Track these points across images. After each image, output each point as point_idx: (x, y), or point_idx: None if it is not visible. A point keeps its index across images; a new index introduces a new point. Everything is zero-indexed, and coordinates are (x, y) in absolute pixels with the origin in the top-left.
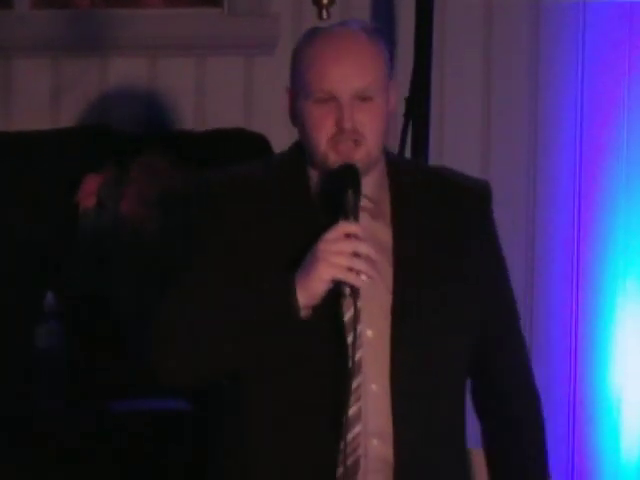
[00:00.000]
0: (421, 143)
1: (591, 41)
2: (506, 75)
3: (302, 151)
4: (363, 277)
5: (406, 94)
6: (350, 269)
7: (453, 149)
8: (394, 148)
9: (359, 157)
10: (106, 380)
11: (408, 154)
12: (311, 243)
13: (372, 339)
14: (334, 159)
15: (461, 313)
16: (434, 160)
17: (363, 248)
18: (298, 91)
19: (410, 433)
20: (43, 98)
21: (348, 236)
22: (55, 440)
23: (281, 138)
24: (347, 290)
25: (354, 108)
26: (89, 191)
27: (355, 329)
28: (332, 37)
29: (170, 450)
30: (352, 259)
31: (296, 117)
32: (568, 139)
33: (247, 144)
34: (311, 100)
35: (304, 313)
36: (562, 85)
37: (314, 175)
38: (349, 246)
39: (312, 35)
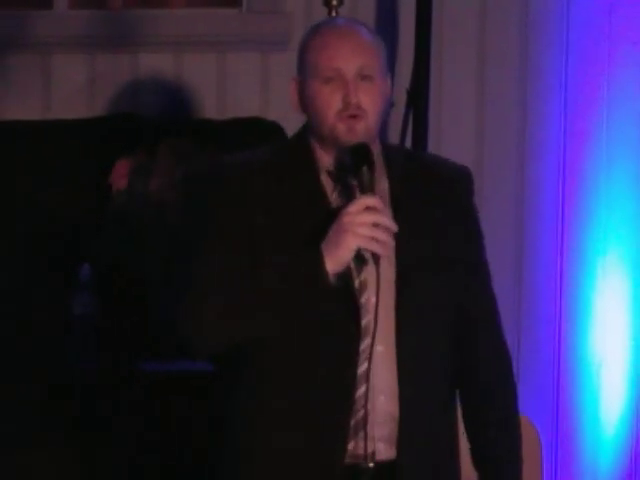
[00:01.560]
0: (421, 131)
1: (574, 34)
2: (498, 67)
3: (308, 135)
4: (382, 245)
5: (407, 86)
6: (372, 238)
7: (450, 135)
8: (396, 137)
9: (359, 128)
10: (134, 343)
11: (409, 141)
12: (322, 218)
13: (375, 306)
14: (341, 130)
15: (450, 283)
16: (432, 145)
17: (383, 219)
18: (306, 75)
19: (412, 390)
20: (79, 90)
21: (369, 208)
22: (89, 399)
23: (294, 125)
24: (369, 256)
25: (357, 86)
26: (121, 174)
27: (378, 293)
28: (337, 27)
29: (194, 406)
30: (374, 229)
31: (304, 99)
32: (554, 125)
33: (263, 131)
34: (320, 80)
35: (331, 279)
36: (548, 75)
37: (322, 155)
38: (371, 218)
39: (318, 27)
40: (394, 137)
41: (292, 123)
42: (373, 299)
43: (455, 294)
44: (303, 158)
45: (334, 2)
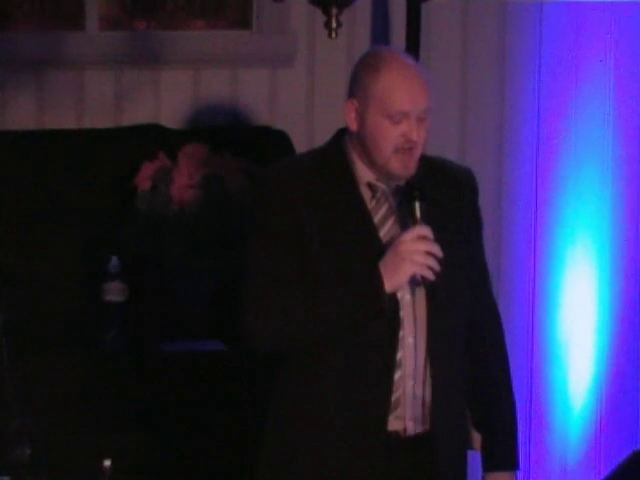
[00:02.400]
0: None
1: (547, 37)
2: (478, 78)
3: (347, 146)
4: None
5: None
6: (425, 265)
7: (436, 138)
8: None
9: (413, 165)
10: (157, 326)
11: None
12: (363, 229)
13: (411, 303)
14: (396, 165)
15: (465, 271)
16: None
17: (434, 249)
18: (369, 106)
19: (438, 373)
20: (108, 102)
21: (422, 238)
22: (119, 376)
23: (297, 133)
24: (420, 280)
25: (417, 125)
26: (145, 176)
27: (412, 297)
28: (406, 67)
29: (209, 381)
30: (427, 257)
31: (363, 126)
32: (529, 128)
33: (270, 138)
34: (387, 118)
35: (387, 298)
36: (524, 82)
37: (362, 168)
38: (425, 247)
39: (385, 60)
40: None
41: (296, 131)
42: (407, 297)
43: (470, 287)
44: (344, 170)
45: (334, 25)
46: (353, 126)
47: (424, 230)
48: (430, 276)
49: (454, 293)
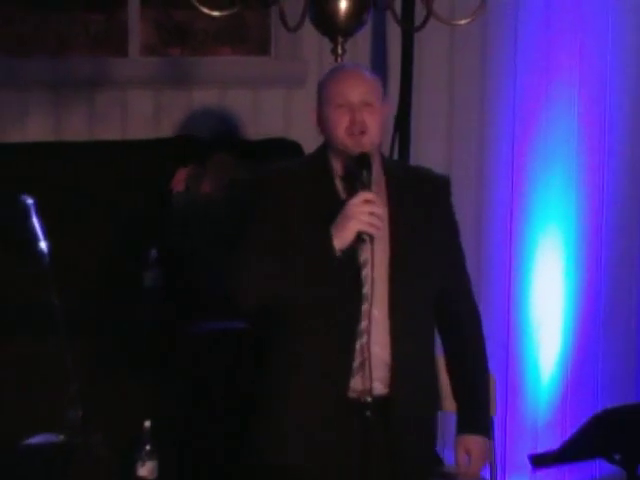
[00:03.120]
0: (405, 145)
1: (521, 57)
2: (463, 99)
3: (326, 149)
4: (376, 228)
5: (394, 113)
6: (369, 223)
7: (426, 148)
8: (386, 150)
9: (365, 142)
10: (192, 309)
11: (396, 153)
12: (335, 209)
13: (375, 278)
14: (350, 144)
15: (432, 260)
16: (413, 156)
17: (378, 210)
18: (323, 104)
19: (401, 343)
20: (148, 117)
21: (367, 201)
22: (156, 352)
23: (309, 143)
24: (366, 237)
25: (361, 110)
26: (180, 180)
27: (372, 266)
28: (346, 69)
29: (235, 356)
30: (371, 217)
31: (322, 122)
32: (505, 132)
33: (286, 147)
34: (333, 106)
35: (338, 253)
36: (502, 94)
37: (336, 164)
38: (368, 208)
39: (332, 71)
40: (385, 150)
41: (308, 142)
42: (370, 273)
43: (437, 269)
44: (322, 167)
45: (339, 52)
46: (318, 125)
47: (368, 195)
48: (373, 233)
49: (419, 276)
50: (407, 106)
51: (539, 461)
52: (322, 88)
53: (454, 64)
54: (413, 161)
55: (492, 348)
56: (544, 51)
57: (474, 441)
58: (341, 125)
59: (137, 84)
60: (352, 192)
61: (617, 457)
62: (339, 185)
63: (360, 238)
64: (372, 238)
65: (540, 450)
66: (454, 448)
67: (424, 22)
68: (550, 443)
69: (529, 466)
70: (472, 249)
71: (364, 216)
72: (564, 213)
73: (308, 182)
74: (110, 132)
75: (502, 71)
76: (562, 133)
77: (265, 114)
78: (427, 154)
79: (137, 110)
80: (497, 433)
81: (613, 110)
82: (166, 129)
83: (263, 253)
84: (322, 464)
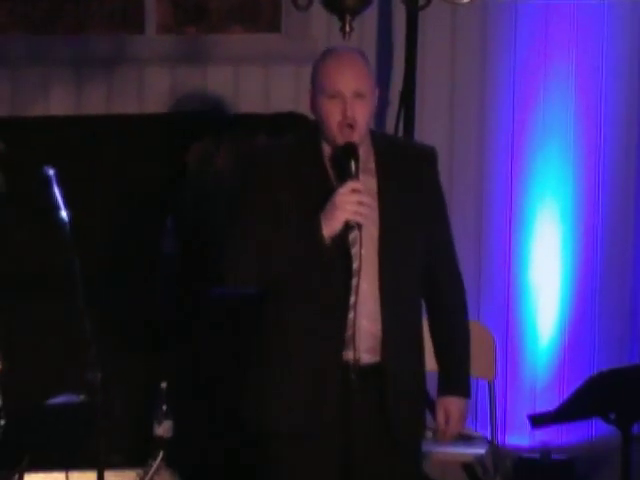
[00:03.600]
0: (410, 120)
1: (521, 34)
2: (465, 73)
3: (316, 130)
4: (363, 217)
5: (400, 89)
6: (356, 212)
7: (430, 123)
8: (392, 124)
9: (354, 137)
10: (204, 274)
11: (401, 128)
12: (324, 193)
13: (365, 255)
14: (340, 138)
15: (420, 232)
16: (417, 131)
17: (365, 199)
18: (316, 90)
19: (390, 314)
20: (164, 93)
21: (354, 191)
22: (172, 316)
23: None
24: (354, 225)
25: (353, 103)
26: (195, 153)
27: (360, 251)
28: (339, 56)
29: (248, 316)
30: (358, 206)
31: (314, 106)
32: (505, 112)
33: (296, 121)
34: (326, 97)
35: (327, 241)
36: (500, 78)
37: (325, 146)
38: (356, 198)
39: (325, 55)
40: (391, 124)
41: None
42: (363, 251)
43: (424, 242)
44: (312, 148)
45: (347, 29)
46: (311, 111)
47: (356, 184)
48: (361, 221)
49: (405, 251)
50: (412, 82)
51: (538, 421)
52: (316, 74)
53: (456, 42)
54: (417, 134)
55: (493, 313)
56: (543, 30)
57: (454, 402)
58: (333, 117)
59: (154, 61)
60: (340, 180)
61: (612, 416)
62: (328, 165)
63: (348, 226)
64: (360, 226)
65: (539, 410)
66: (435, 409)
67: (428, 1)
68: (548, 404)
69: (528, 426)
70: (473, 219)
71: (351, 206)
72: (561, 185)
73: (298, 161)
74: (127, 107)
75: (502, 49)
76: (559, 109)
77: (276, 90)
78: (430, 128)
79: (153, 86)
80: (497, 394)
81: (608, 86)
82: (181, 105)
83: (254, 235)
84: (314, 431)
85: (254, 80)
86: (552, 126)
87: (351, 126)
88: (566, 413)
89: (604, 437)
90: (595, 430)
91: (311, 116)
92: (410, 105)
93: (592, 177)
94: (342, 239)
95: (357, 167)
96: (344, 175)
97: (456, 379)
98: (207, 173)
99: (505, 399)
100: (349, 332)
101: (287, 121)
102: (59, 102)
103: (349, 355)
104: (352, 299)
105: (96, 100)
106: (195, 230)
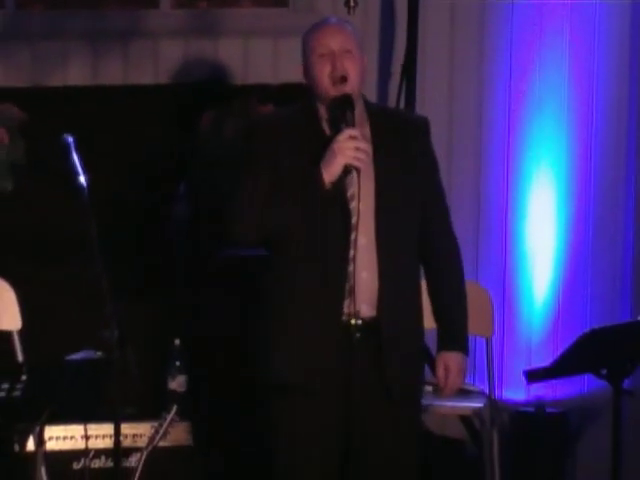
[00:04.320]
0: (411, 92)
1: (518, 9)
2: (463, 46)
3: (313, 97)
4: (361, 161)
5: (402, 62)
6: (354, 157)
7: (430, 95)
8: (394, 96)
9: (347, 88)
10: (215, 236)
11: (403, 99)
12: (321, 149)
13: (363, 209)
14: (332, 90)
15: (414, 194)
16: (419, 102)
17: (362, 145)
18: (308, 56)
19: (387, 268)
20: (178, 64)
21: (351, 137)
22: (184, 275)
23: None
24: (353, 170)
25: (342, 56)
26: (207, 121)
27: (359, 199)
28: (326, 23)
29: (254, 277)
30: (355, 151)
31: (307, 72)
32: (502, 82)
33: (302, 91)
34: (316, 56)
35: (328, 186)
36: (499, 25)
37: (322, 109)
38: (353, 143)
39: (315, 25)
40: (393, 95)
41: None
42: (361, 205)
43: (417, 200)
44: (309, 113)
45: (352, 4)
46: (305, 78)
47: (353, 131)
48: (359, 165)
49: (402, 207)
50: (413, 55)
51: (533, 376)
52: (306, 41)
53: (455, 16)
54: (418, 105)
55: (490, 275)
56: (539, 6)
57: (453, 358)
58: (324, 72)
59: (167, 34)
60: (337, 131)
61: (604, 372)
62: (325, 127)
63: (347, 171)
64: (358, 170)
65: (534, 366)
66: (435, 365)
67: None
68: (543, 360)
69: (524, 381)
70: (471, 185)
71: (350, 151)
72: (555, 152)
73: (297, 126)
74: (142, 77)
75: (499, 23)
76: (554, 80)
77: (283, 61)
78: (431, 99)
79: (167, 58)
80: (495, 351)
81: (600, 58)
82: (194, 75)
83: (257, 192)
84: (315, 382)
85: (262, 52)
86: (546, 96)
87: (344, 78)
88: (560, 369)
89: (596, 391)
90: (587, 385)
91: None
92: (411, 77)
93: (585, 144)
94: (341, 194)
95: (353, 116)
96: (340, 124)
97: (454, 335)
98: (217, 139)
99: (502, 356)
100: (349, 284)
101: (294, 91)
102: (77, 73)
103: (349, 307)
104: (351, 253)
105: (112, 71)
106: (206, 193)
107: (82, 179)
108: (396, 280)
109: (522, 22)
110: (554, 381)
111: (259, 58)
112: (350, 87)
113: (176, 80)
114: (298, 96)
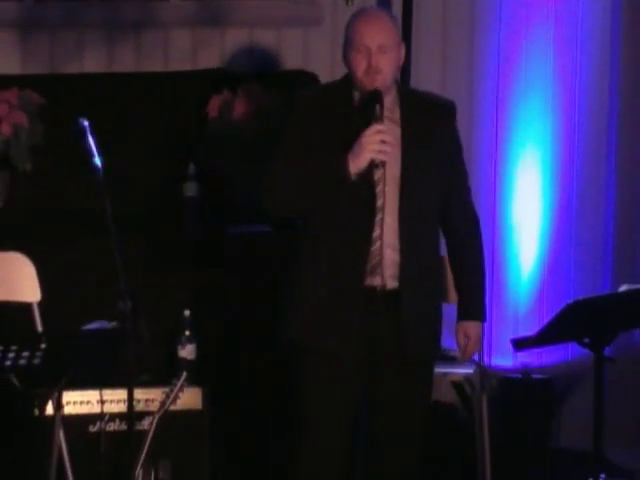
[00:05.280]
0: (406, 84)
1: (505, 24)
2: (455, 49)
3: (348, 80)
4: (386, 155)
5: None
6: (380, 151)
7: (424, 77)
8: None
9: (378, 83)
10: (223, 214)
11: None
12: (354, 134)
13: (388, 191)
14: (366, 82)
15: (437, 175)
16: (413, 79)
17: (388, 138)
18: (347, 45)
19: (409, 245)
20: (187, 53)
21: (378, 132)
22: (193, 251)
23: (323, 75)
24: (379, 163)
25: (377, 55)
26: (214, 106)
27: (384, 189)
28: (367, 14)
29: (260, 254)
30: (382, 145)
31: (346, 59)
32: (490, 70)
33: (304, 78)
34: (354, 51)
35: (353, 177)
36: (487, 41)
37: (355, 95)
38: (380, 137)
39: (357, 13)
40: None
41: (323, 73)
42: (387, 188)
43: (441, 182)
44: (344, 95)
45: None
46: (344, 61)
47: (380, 126)
48: (385, 159)
49: (425, 189)
50: (408, 40)
51: (520, 344)
52: (347, 30)
53: (448, 12)
54: (413, 82)
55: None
56: (524, 3)
57: (472, 326)
58: (360, 67)
59: (177, 24)
60: (366, 123)
61: (586, 340)
62: (356, 110)
63: (373, 164)
64: (384, 164)
65: (521, 335)
66: (455, 333)
67: None
68: (529, 329)
69: (511, 349)
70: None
71: (376, 145)
72: (541, 134)
73: (333, 107)
74: (154, 65)
75: (489, 19)
76: (539, 66)
77: (286, 50)
78: (424, 83)
79: (177, 46)
80: (485, 321)
81: (583, 45)
82: (202, 63)
83: (290, 170)
84: (338, 346)
85: (267, 41)
86: (533, 81)
87: (377, 69)
88: (545, 337)
89: (579, 358)
90: (571, 352)
91: (319, 73)
92: (406, 68)
93: (568, 127)
94: (368, 179)
95: (381, 111)
96: (370, 118)
97: (473, 305)
98: (225, 123)
99: (491, 325)
100: (374, 260)
101: (296, 78)
102: (92, 61)
103: (376, 281)
104: (377, 232)
105: (125, 59)
106: (213, 176)
107: (97, 160)
108: (416, 255)
109: (509, 16)
110: (539, 349)
111: (263, 47)
112: (381, 80)
113: (185, 68)
114: (299, 83)
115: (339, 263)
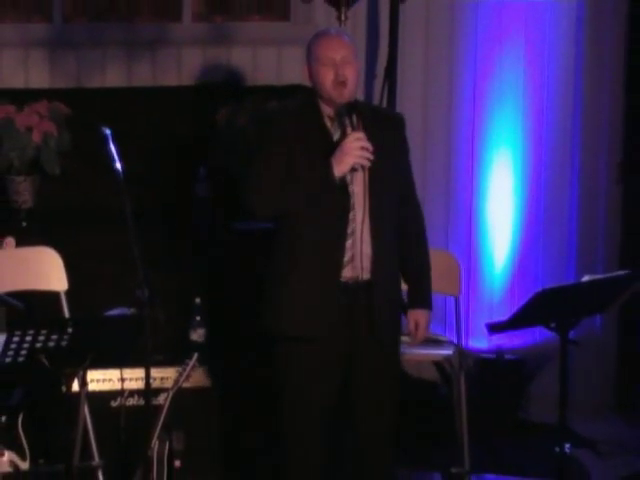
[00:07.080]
0: (393, 91)
1: (481, 21)
2: (437, 53)
3: (315, 95)
4: (367, 160)
5: (385, 65)
6: (361, 156)
7: (409, 93)
8: (378, 94)
9: (346, 93)
10: (232, 211)
11: (386, 97)
12: (325, 145)
13: (358, 193)
14: (335, 94)
15: (394, 177)
16: (399, 100)
17: (367, 144)
18: (313, 63)
19: (378, 239)
20: (197, 69)
21: (358, 139)
22: (207, 243)
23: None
24: (359, 167)
25: (342, 66)
26: (223, 114)
27: (355, 185)
28: (329, 34)
29: (265, 248)
30: (362, 151)
31: (312, 76)
32: (467, 85)
33: (303, 92)
34: (320, 64)
35: (336, 180)
36: (464, 49)
37: (324, 107)
38: (360, 144)
39: (318, 34)
40: (377, 93)
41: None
42: (357, 189)
43: (398, 182)
44: (312, 109)
45: (342, 18)
46: (310, 80)
47: (359, 134)
48: (365, 163)
49: (386, 190)
50: (394, 59)
51: (494, 328)
52: (312, 50)
53: (430, 28)
54: (399, 101)
55: (458, 243)
56: (498, 21)
57: (420, 314)
58: (327, 79)
59: (189, 43)
60: (344, 132)
61: (553, 325)
62: (327, 122)
63: (354, 168)
64: (364, 168)
65: (495, 320)
66: (407, 320)
67: None
68: (502, 315)
69: (486, 332)
70: (442, 166)
71: (357, 151)
72: (513, 138)
73: (302, 118)
74: (168, 79)
75: (466, 33)
76: (512, 79)
77: (286, 67)
78: (409, 96)
79: (189, 63)
80: (462, 308)
81: (551, 60)
82: (211, 77)
83: (271, 175)
84: (317, 334)
85: (268, 59)
86: (506, 92)
87: (343, 83)
88: (516, 322)
89: (546, 341)
90: (539, 336)
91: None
92: (393, 78)
93: (538, 131)
94: (343, 181)
95: (358, 120)
96: (345, 127)
97: (421, 295)
98: (232, 130)
99: (468, 311)
100: (349, 255)
101: (295, 92)
102: (114, 76)
103: (352, 273)
104: (351, 227)
105: (143, 74)
106: (224, 176)
107: (118, 165)
108: (384, 248)
109: (485, 29)
110: (511, 332)
111: (265, 63)
112: (348, 92)
113: (196, 82)
114: (298, 95)
115: (318, 257)
